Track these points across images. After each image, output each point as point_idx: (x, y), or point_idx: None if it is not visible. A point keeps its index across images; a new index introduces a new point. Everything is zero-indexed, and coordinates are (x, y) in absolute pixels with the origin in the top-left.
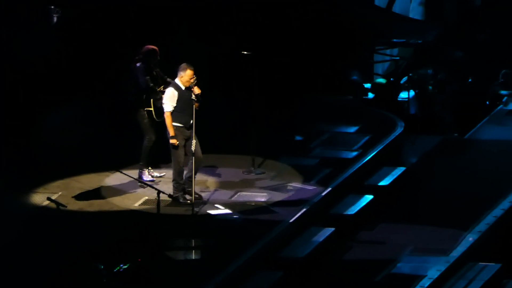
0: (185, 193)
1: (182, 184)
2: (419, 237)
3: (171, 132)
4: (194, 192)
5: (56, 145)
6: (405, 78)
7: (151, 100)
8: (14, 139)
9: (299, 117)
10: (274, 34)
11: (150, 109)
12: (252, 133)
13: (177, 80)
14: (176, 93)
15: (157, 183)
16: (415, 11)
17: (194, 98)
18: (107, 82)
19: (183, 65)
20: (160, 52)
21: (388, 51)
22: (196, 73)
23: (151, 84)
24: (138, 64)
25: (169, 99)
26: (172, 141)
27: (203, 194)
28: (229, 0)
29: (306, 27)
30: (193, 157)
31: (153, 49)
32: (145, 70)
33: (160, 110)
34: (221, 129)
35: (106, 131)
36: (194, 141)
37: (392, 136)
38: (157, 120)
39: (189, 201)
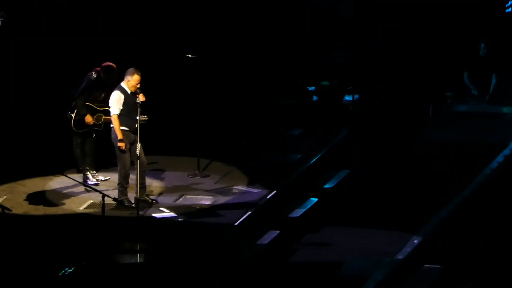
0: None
1: (127, 188)
2: (365, 240)
3: (119, 135)
4: (141, 195)
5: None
6: None
7: (76, 109)
8: None
9: (244, 120)
10: (220, 36)
11: (72, 115)
12: (197, 135)
13: (123, 84)
14: (122, 96)
15: (102, 187)
16: None
17: (138, 102)
18: (53, 85)
19: (131, 69)
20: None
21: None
22: (142, 77)
23: (84, 102)
24: (90, 73)
25: (116, 102)
26: (120, 144)
27: (148, 198)
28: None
29: (251, 30)
30: (138, 161)
31: (110, 66)
32: (92, 81)
33: (79, 122)
34: (167, 131)
35: (51, 134)
36: (138, 145)
37: (337, 139)
38: (74, 129)
39: (133, 204)
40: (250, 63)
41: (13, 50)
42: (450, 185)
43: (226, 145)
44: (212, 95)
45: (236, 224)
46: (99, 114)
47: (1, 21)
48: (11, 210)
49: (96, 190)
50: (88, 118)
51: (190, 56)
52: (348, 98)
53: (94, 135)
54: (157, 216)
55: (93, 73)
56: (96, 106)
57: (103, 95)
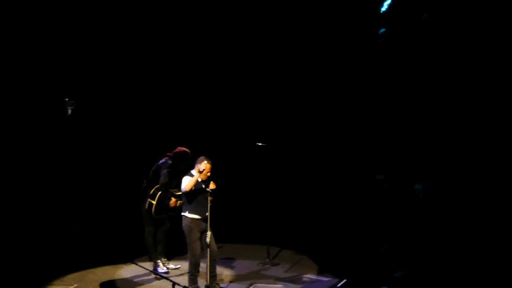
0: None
1: (197, 276)
2: None
3: (197, 177)
4: (211, 284)
5: (71, 237)
6: None
7: (158, 195)
8: (29, 231)
9: (314, 206)
10: (287, 125)
11: (153, 202)
12: (267, 223)
13: (193, 171)
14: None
15: (172, 275)
16: None
17: (209, 190)
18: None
19: (201, 157)
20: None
21: None
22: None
23: (166, 181)
24: (163, 160)
25: (187, 180)
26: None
27: (219, 286)
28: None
29: (317, 118)
30: (208, 249)
31: (184, 151)
32: (168, 167)
33: (160, 209)
34: (236, 219)
35: (121, 221)
36: (209, 233)
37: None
38: (154, 216)
39: None
40: (318, 151)
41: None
42: None
43: (296, 232)
44: (281, 183)
45: None
46: (174, 198)
47: (71, 109)
48: None
49: (166, 279)
50: (172, 200)
51: (259, 144)
52: (418, 186)
53: (168, 224)
54: None
55: (168, 159)
56: (172, 190)
57: (176, 182)
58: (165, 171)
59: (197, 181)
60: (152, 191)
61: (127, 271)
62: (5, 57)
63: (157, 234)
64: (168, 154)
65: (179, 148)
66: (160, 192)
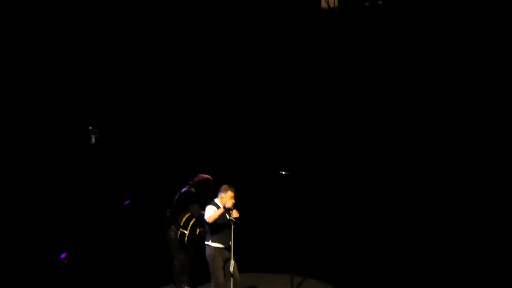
0: None
1: None
2: None
3: (222, 210)
4: None
5: (95, 264)
6: None
7: (190, 224)
8: (52, 257)
9: (338, 234)
10: (313, 154)
11: (185, 231)
12: (290, 252)
13: (216, 200)
14: (216, 209)
15: None
16: None
17: (232, 219)
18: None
19: (225, 186)
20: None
21: None
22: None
23: (200, 212)
24: (186, 188)
25: (212, 210)
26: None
27: None
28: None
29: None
30: (232, 279)
31: (207, 179)
32: (193, 197)
33: (192, 236)
34: (260, 248)
35: (144, 248)
36: (232, 262)
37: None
38: (186, 244)
39: None
40: (342, 179)
41: None
42: None
43: (320, 260)
44: (304, 211)
45: None
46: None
47: (95, 138)
48: None
49: None
50: None
51: (283, 173)
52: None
53: (192, 252)
54: None
55: (190, 187)
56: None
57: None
58: (194, 202)
59: (219, 208)
60: (183, 222)
61: None
62: (29, 85)
63: (182, 262)
64: (190, 182)
65: (200, 175)
66: (193, 222)
